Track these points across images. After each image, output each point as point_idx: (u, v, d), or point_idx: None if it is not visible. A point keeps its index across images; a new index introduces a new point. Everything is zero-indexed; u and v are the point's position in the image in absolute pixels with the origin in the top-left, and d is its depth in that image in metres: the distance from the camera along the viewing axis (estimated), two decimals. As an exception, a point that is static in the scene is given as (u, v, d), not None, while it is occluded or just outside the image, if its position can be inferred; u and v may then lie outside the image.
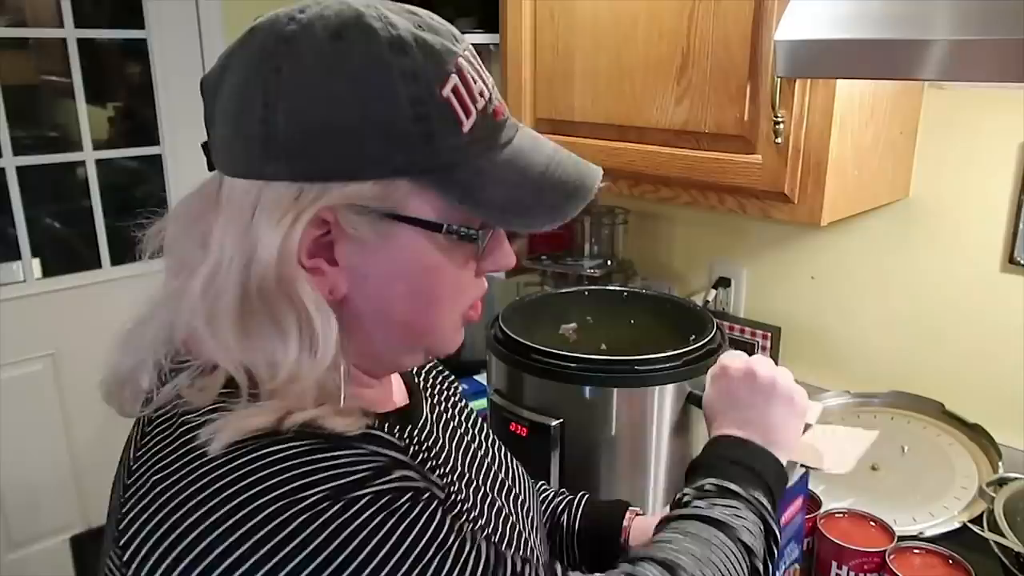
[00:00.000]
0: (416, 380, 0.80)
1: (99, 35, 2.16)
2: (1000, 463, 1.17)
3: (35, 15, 2.14)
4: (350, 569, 0.47)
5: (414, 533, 0.50)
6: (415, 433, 0.69)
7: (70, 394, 2.17)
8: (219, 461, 0.50)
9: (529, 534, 0.73)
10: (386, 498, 0.50)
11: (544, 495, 0.95)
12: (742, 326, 1.53)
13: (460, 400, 0.86)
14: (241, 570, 0.47)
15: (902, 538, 1.01)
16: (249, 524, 0.47)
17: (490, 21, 1.56)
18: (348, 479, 0.50)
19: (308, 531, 0.47)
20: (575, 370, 1.08)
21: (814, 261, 1.46)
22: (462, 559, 0.51)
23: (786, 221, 1.14)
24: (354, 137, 0.53)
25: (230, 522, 0.48)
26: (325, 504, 0.48)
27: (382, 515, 0.49)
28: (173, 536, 0.49)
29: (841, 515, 1.05)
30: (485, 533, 0.65)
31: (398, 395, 0.74)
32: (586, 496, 0.94)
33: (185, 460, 0.51)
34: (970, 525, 1.03)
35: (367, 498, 0.49)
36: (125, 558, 0.51)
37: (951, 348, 1.31)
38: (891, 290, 1.37)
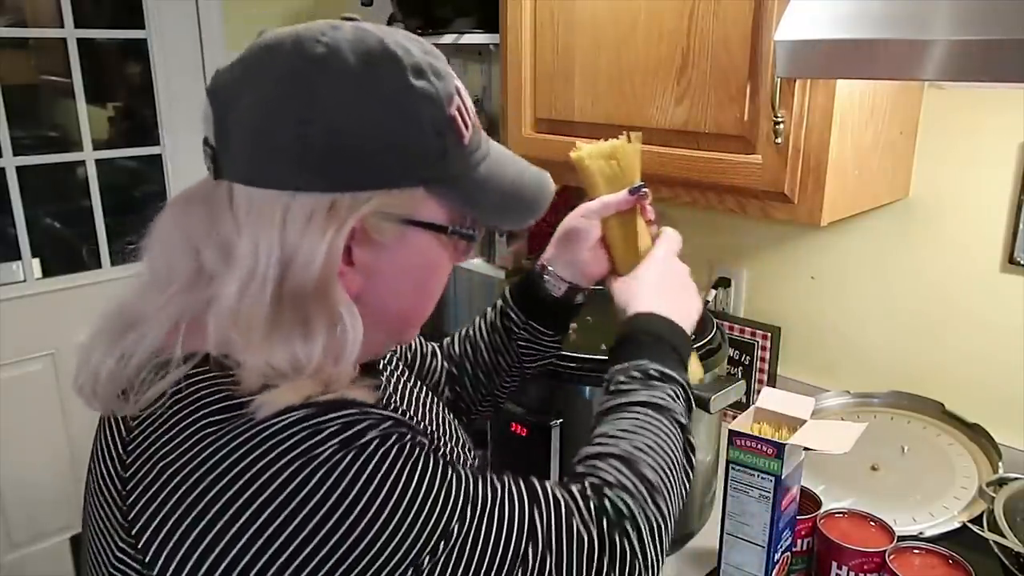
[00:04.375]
0: None
1: (99, 35, 2.16)
2: (1000, 463, 1.16)
3: (35, 15, 2.14)
4: (361, 505, 0.53)
5: (415, 469, 0.56)
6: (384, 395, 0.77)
7: (70, 394, 2.13)
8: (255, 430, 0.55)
9: None
10: (388, 443, 0.56)
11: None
12: (742, 326, 1.53)
13: (397, 369, 0.92)
14: (276, 524, 0.52)
15: (902, 538, 1.01)
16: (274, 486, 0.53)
17: (490, 21, 1.56)
18: (352, 431, 0.55)
19: (328, 482, 0.53)
20: (575, 370, 1.08)
21: (814, 261, 1.46)
22: (456, 487, 0.58)
23: (786, 221, 1.14)
24: (386, 153, 0.59)
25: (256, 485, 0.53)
26: (338, 456, 0.54)
27: (386, 458, 0.55)
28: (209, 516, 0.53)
29: (841, 515, 1.05)
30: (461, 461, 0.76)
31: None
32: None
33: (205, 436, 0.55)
34: (970, 525, 1.03)
35: (372, 444, 0.55)
36: (147, 534, 0.55)
37: (951, 348, 1.31)
38: (891, 290, 1.37)
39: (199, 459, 0.54)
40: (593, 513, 0.65)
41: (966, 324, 1.29)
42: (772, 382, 1.51)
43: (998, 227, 1.22)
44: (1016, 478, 1.07)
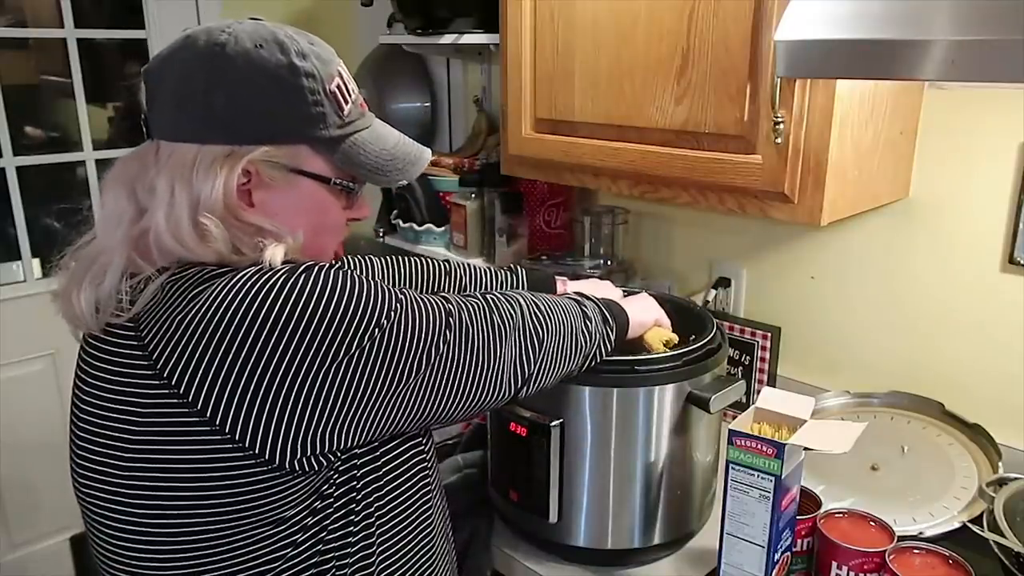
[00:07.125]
0: None
1: (99, 35, 2.16)
2: (1000, 463, 1.16)
3: (35, 15, 2.14)
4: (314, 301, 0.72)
5: (354, 278, 0.75)
6: None
7: (70, 394, 2.17)
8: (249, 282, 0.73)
9: None
10: (326, 267, 0.75)
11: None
12: (742, 326, 1.53)
13: None
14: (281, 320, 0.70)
15: (902, 538, 1.01)
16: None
17: (490, 21, 1.55)
18: (306, 264, 0.75)
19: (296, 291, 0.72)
20: (575, 370, 1.08)
21: (814, 261, 1.46)
22: (387, 289, 0.77)
23: (786, 221, 1.14)
24: (272, 115, 0.77)
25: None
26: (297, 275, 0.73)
27: (330, 272, 0.74)
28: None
29: (841, 515, 1.05)
30: None
31: None
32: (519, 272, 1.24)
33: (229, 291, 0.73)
34: (970, 525, 1.03)
35: (318, 266, 0.74)
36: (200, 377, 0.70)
37: (951, 348, 1.31)
38: (891, 290, 1.37)
39: (203, 306, 0.71)
40: (486, 303, 0.86)
41: (966, 324, 1.29)
42: (772, 382, 1.51)
43: (998, 227, 1.22)
44: (1016, 478, 1.07)
